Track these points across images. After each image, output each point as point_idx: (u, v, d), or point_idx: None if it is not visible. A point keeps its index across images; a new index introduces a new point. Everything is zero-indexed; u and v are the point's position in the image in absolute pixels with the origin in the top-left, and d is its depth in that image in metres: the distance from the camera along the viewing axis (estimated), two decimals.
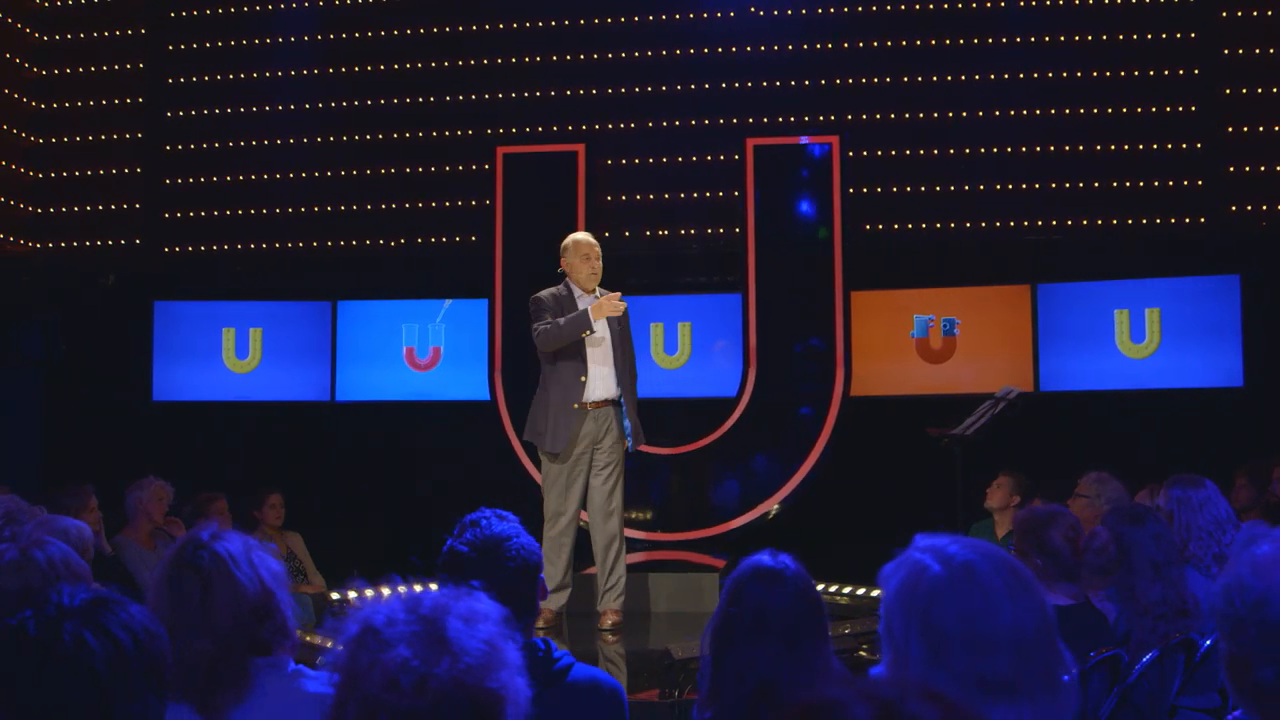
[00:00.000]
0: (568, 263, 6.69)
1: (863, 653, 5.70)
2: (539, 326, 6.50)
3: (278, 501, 7.95)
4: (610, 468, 6.55)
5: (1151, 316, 9.02)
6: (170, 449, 9.61)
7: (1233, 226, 9.23)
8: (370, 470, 9.78)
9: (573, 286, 6.63)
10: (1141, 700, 4.04)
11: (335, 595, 7.51)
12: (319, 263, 10.27)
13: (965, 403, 9.12)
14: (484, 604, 1.76)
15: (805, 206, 9.15)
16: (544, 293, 6.67)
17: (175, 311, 10.01)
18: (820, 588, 7.11)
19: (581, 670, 2.75)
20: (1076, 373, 9.17)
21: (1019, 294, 9.27)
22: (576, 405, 6.47)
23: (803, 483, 8.80)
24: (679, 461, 9.07)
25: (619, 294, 6.48)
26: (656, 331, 9.71)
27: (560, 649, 2.77)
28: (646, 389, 9.58)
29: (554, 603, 6.56)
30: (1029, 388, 9.15)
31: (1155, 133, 9.40)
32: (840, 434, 8.61)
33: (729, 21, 9.87)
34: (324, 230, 10.33)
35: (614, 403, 6.62)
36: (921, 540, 1.81)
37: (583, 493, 6.56)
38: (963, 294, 9.37)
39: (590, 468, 6.55)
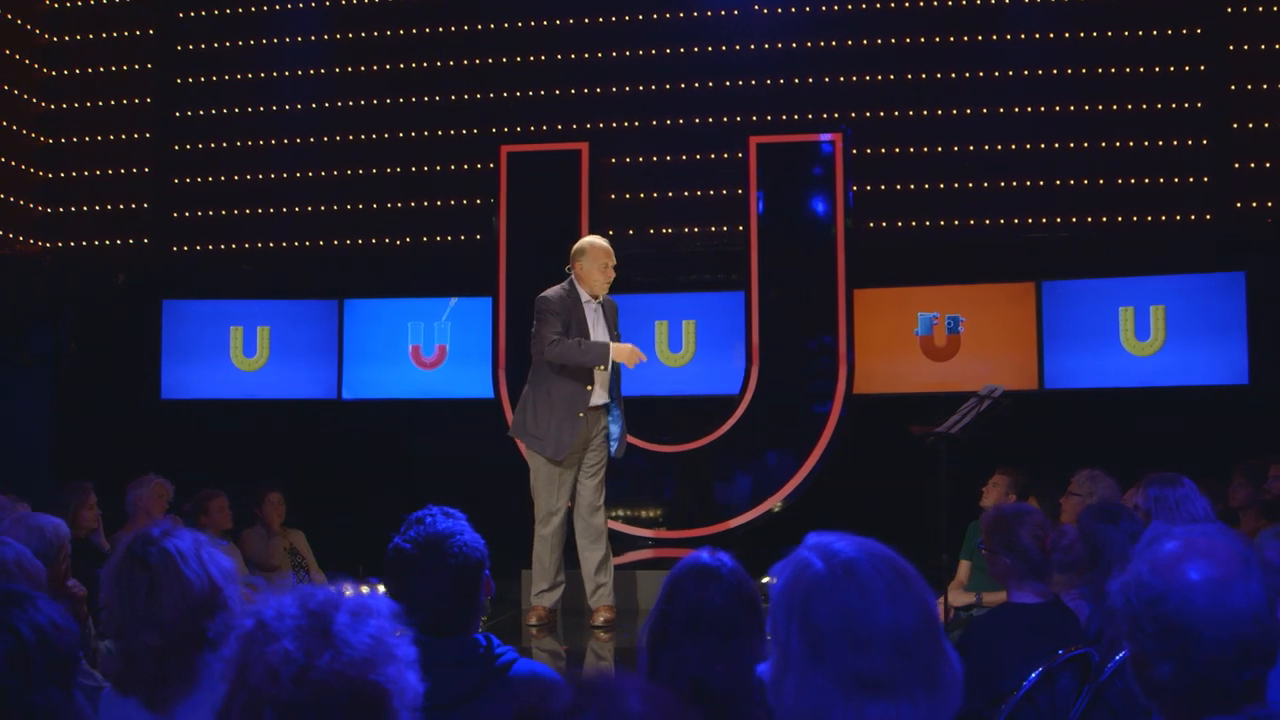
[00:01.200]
0: (583, 268, 6.62)
1: None
2: (555, 339, 6.41)
3: (277, 499, 8.00)
4: (597, 466, 6.60)
5: (1156, 314, 8.97)
6: (179, 446, 9.68)
7: (1239, 223, 9.16)
8: (377, 467, 9.81)
9: (579, 290, 6.60)
10: (1115, 700, 4.03)
11: None
12: (326, 261, 10.32)
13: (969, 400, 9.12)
14: (376, 601, 1.79)
15: (808, 204, 9.14)
16: (551, 293, 6.60)
17: (183, 310, 10.08)
18: None
19: (523, 666, 2.78)
20: (1081, 370, 9.12)
21: (1024, 291, 9.23)
22: (581, 414, 6.48)
23: (806, 480, 8.79)
24: (683, 459, 9.08)
25: (640, 352, 6.53)
26: (661, 329, 9.72)
27: (503, 645, 2.79)
28: (651, 387, 9.64)
29: (548, 600, 6.60)
30: (1033, 385, 9.12)
31: (1161, 129, 9.33)
32: (844, 431, 8.60)
33: (732, 19, 9.87)
34: (331, 229, 10.39)
35: (605, 406, 6.65)
36: (811, 538, 1.82)
37: (572, 491, 6.59)
38: (967, 291, 9.33)
39: (580, 466, 6.58)
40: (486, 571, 2.85)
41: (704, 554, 2.71)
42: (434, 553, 2.76)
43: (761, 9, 9.87)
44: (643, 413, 9.55)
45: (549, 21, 10.17)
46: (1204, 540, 1.91)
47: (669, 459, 9.10)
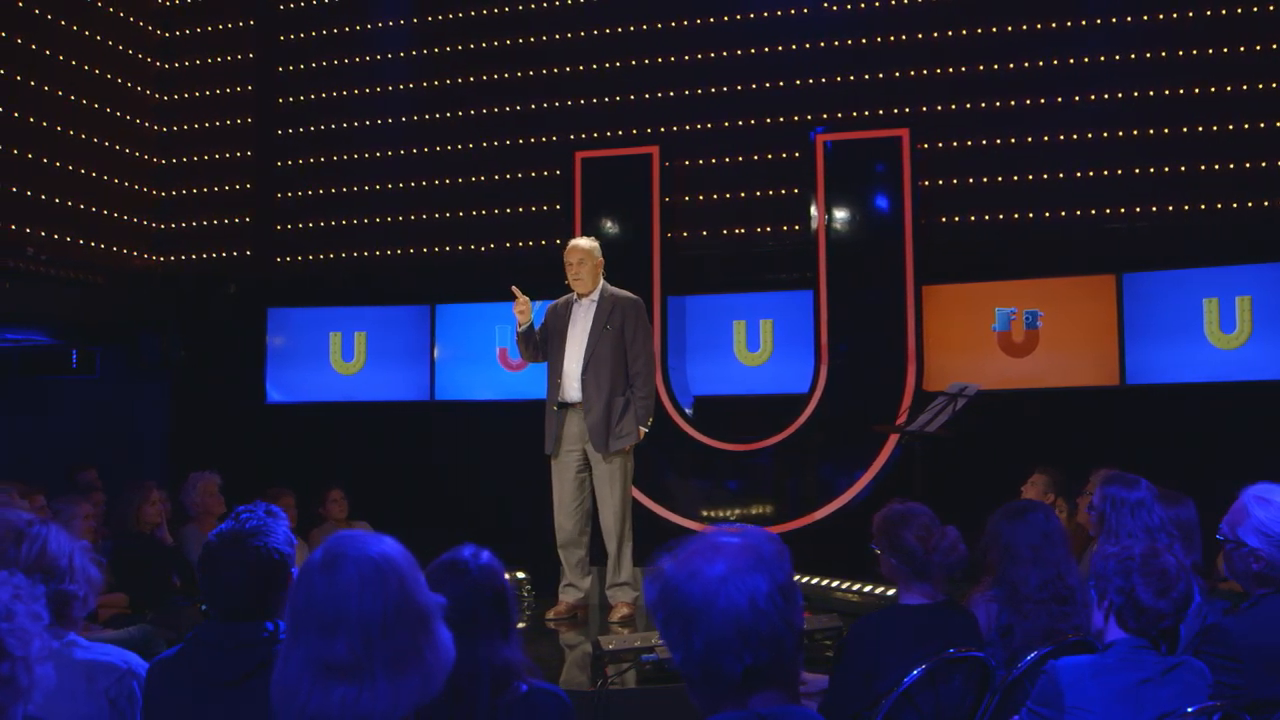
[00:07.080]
0: None
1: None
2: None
3: (338, 495, 8.41)
4: (609, 466, 6.65)
5: (1242, 305, 8.61)
6: (282, 447, 10.23)
7: None
8: (468, 466, 10.12)
9: (574, 290, 6.91)
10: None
11: None
12: (418, 268, 10.70)
13: (1049, 396, 8.91)
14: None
15: (875, 200, 9.10)
16: (559, 300, 6.96)
17: (286, 318, 10.63)
18: (834, 584, 7.12)
19: None
20: (1164, 364, 8.81)
21: (1103, 284, 8.96)
22: (555, 407, 6.69)
23: (878, 476, 8.77)
24: (754, 458, 9.16)
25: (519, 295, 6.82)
26: (739, 329, 9.79)
27: None
28: (731, 386, 9.71)
29: (569, 595, 6.78)
30: (1115, 381, 8.87)
31: (1242, 111, 8.90)
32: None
33: (799, 18, 9.84)
34: (422, 237, 10.76)
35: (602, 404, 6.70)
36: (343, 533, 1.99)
37: (579, 493, 6.71)
38: (1045, 285, 9.12)
39: (585, 467, 6.70)
40: (294, 569, 3.04)
41: (465, 550, 2.86)
42: (234, 549, 2.97)
43: (830, 6, 9.82)
44: (723, 411, 9.66)
45: (619, 29, 10.34)
46: (724, 538, 1.97)
47: (743, 458, 9.19)
